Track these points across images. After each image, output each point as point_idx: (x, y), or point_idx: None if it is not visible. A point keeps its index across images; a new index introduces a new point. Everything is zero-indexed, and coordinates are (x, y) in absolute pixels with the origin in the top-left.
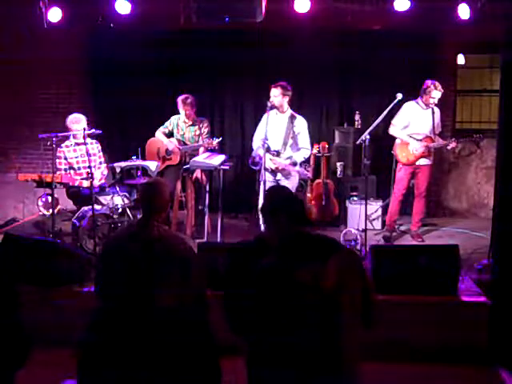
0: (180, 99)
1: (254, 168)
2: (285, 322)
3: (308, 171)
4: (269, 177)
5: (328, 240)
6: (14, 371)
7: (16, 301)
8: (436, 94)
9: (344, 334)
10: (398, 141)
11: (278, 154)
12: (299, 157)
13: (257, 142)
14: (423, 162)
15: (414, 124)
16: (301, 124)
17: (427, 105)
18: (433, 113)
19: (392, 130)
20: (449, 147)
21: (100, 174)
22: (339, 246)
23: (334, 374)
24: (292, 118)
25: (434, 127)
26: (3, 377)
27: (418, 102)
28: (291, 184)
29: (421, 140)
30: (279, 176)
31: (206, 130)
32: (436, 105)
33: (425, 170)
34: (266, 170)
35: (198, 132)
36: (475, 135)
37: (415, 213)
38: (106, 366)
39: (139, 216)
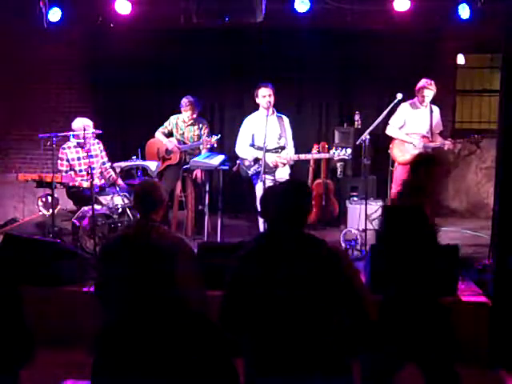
0: (191, 103)
1: (247, 172)
2: (279, 322)
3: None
4: (268, 177)
5: (314, 239)
6: (18, 370)
7: (19, 300)
8: (428, 92)
9: (333, 331)
10: (395, 140)
11: (281, 150)
12: (291, 153)
13: (246, 148)
14: None
15: (409, 124)
16: (287, 122)
17: (422, 103)
18: (431, 112)
19: (389, 130)
20: (446, 147)
21: (109, 174)
22: (324, 244)
23: (327, 372)
24: (279, 117)
25: (431, 126)
26: (7, 376)
27: (414, 102)
28: (286, 170)
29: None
30: (278, 175)
31: (206, 132)
32: (435, 103)
33: None
34: (265, 170)
35: (197, 132)
36: (473, 135)
37: None
38: (117, 369)
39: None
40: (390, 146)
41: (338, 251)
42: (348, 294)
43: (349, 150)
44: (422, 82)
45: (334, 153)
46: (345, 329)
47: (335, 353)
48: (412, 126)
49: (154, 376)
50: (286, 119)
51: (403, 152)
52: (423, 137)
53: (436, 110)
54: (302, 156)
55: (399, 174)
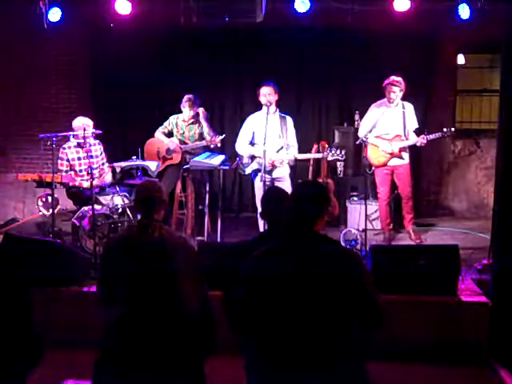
0: (189, 99)
1: (244, 170)
2: (285, 322)
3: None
4: (266, 177)
5: (330, 240)
6: (28, 372)
7: (28, 301)
8: (395, 89)
9: (341, 334)
10: (369, 144)
11: (277, 151)
12: (293, 154)
13: (245, 146)
14: (398, 162)
15: (381, 124)
16: (290, 123)
17: (390, 101)
18: (403, 109)
19: (359, 132)
20: (418, 144)
21: (104, 172)
22: (339, 247)
23: (332, 372)
24: (282, 117)
25: (404, 125)
26: (17, 378)
27: (384, 102)
28: (286, 186)
29: (390, 140)
30: (275, 174)
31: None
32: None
33: (403, 171)
34: (265, 171)
35: (198, 130)
36: (445, 129)
37: (406, 213)
38: (119, 368)
39: (139, 216)
40: (365, 149)
41: (352, 255)
42: (361, 297)
43: (343, 151)
44: (390, 78)
45: (328, 153)
46: (356, 330)
47: (346, 354)
48: (384, 126)
49: (151, 372)
50: (289, 119)
51: (377, 155)
52: (396, 136)
53: (409, 107)
54: (299, 156)
55: (380, 178)
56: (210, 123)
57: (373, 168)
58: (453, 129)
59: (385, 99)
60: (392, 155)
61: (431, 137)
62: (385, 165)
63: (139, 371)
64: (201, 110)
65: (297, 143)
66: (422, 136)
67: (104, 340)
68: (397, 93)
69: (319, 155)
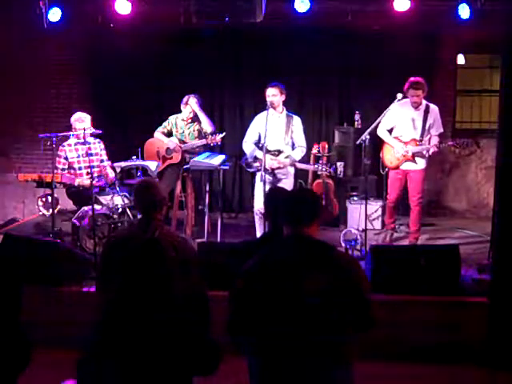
0: (196, 99)
1: (249, 169)
2: (283, 326)
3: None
4: (268, 177)
5: (325, 246)
6: (17, 374)
7: (18, 302)
8: (417, 92)
9: (339, 335)
10: (385, 145)
11: (279, 153)
12: (297, 155)
13: (250, 145)
14: (411, 166)
15: (399, 126)
16: (297, 123)
17: (413, 104)
18: (426, 113)
19: (378, 131)
20: (430, 151)
21: (106, 171)
22: (335, 252)
23: (331, 371)
24: (289, 117)
25: (424, 129)
26: (6, 379)
27: (407, 102)
28: (288, 184)
29: (406, 143)
30: (277, 176)
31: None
32: (434, 104)
33: (415, 176)
34: (265, 170)
35: (197, 127)
36: (456, 142)
37: (411, 222)
38: (107, 366)
39: (139, 216)
40: (381, 150)
41: (349, 259)
42: (356, 301)
43: (340, 165)
44: (409, 81)
45: (318, 167)
46: (348, 328)
47: (340, 352)
48: (402, 128)
49: (140, 371)
50: (296, 119)
51: (391, 156)
52: (412, 140)
53: (434, 110)
54: (298, 165)
55: (391, 181)
56: (205, 112)
57: (386, 169)
58: (463, 140)
59: (408, 99)
60: (405, 159)
61: (444, 145)
62: (397, 167)
63: (126, 370)
64: (194, 101)
65: (305, 143)
66: (434, 144)
67: (93, 337)
68: (420, 96)
69: (311, 167)
